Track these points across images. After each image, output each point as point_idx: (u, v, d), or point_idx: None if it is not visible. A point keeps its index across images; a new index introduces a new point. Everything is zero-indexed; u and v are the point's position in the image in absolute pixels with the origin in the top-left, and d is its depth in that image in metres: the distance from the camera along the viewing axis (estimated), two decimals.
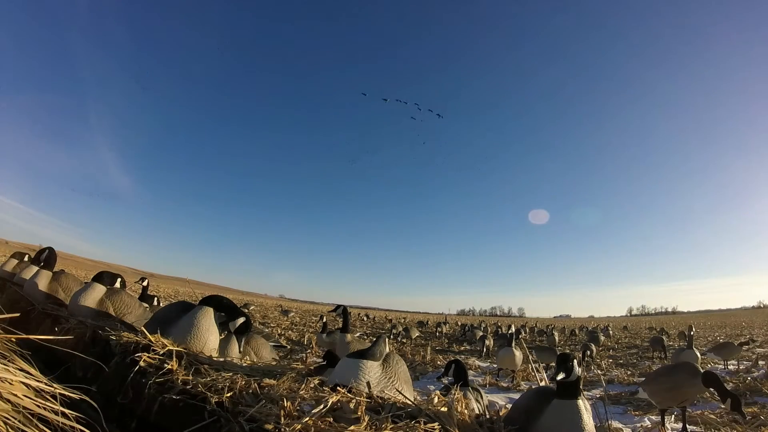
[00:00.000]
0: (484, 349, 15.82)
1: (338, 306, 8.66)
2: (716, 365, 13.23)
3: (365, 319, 41.84)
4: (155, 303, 9.92)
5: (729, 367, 12.88)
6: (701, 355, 11.32)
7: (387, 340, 3.39)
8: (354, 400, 2.10)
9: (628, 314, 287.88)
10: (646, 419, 6.75)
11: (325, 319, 15.64)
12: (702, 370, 5.32)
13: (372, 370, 2.96)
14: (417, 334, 21.05)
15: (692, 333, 11.37)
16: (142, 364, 2.47)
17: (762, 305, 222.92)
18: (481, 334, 19.56)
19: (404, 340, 19.69)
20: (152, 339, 2.78)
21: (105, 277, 4.76)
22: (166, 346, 2.73)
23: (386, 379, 3.00)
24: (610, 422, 5.87)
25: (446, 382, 4.71)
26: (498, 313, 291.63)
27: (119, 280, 5.03)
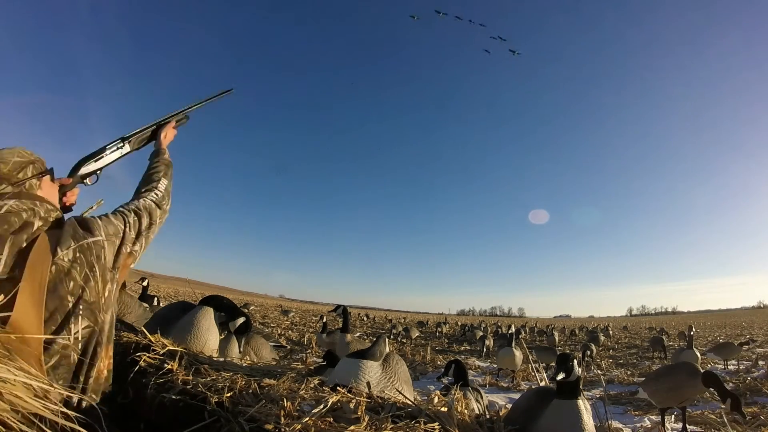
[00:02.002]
0: (484, 349, 15.81)
1: (338, 306, 8.66)
2: (716, 365, 13.23)
3: (365, 319, 41.81)
4: (155, 303, 9.95)
5: (729, 367, 12.87)
6: (701, 355, 11.32)
7: (387, 340, 3.40)
8: (354, 400, 2.09)
9: (628, 314, 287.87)
10: (646, 419, 6.75)
11: (325, 319, 15.63)
12: (702, 370, 5.33)
13: (372, 370, 2.96)
14: (417, 334, 21.05)
15: (692, 333, 11.38)
16: (142, 364, 2.47)
17: (762, 305, 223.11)
18: (481, 334, 19.56)
19: (404, 340, 19.70)
20: (152, 339, 2.78)
21: None
22: (166, 346, 2.73)
23: (386, 379, 3.00)
24: (610, 422, 5.85)
25: (446, 382, 4.70)
26: (498, 313, 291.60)
27: None
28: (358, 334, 14.67)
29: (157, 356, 2.59)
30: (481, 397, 4.19)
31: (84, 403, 1.72)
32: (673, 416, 6.54)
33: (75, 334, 1.76)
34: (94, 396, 1.84)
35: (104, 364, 1.93)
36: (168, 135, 2.82)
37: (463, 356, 15.45)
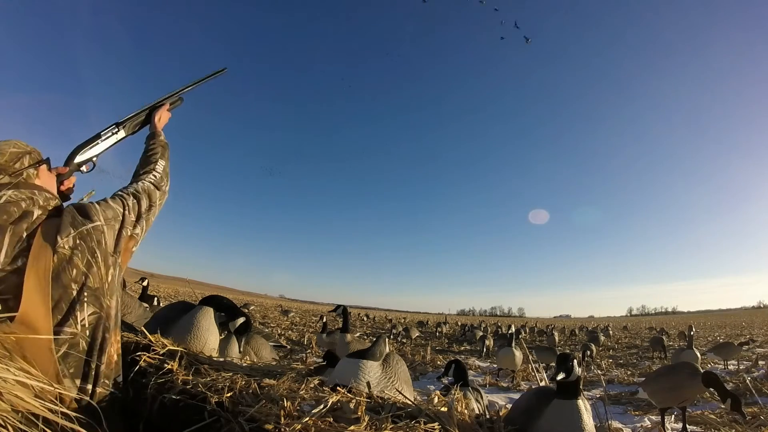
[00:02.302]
0: (484, 349, 15.80)
1: (338, 306, 8.65)
2: (716, 365, 13.23)
3: (365, 319, 41.77)
4: (155, 303, 9.97)
5: (729, 367, 12.87)
6: (701, 355, 11.30)
7: (387, 340, 3.39)
8: (354, 400, 2.09)
9: (628, 314, 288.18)
10: (646, 419, 6.75)
11: (325, 319, 15.59)
12: (702, 370, 5.32)
13: (372, 370, 2.96)
14: (417, 334, 21.04)
15: (692, 333, 11.36)
16: (142, 364, 2.46)
17: (762, 305, 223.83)
18: (481, 334, 19.52)
19: (404, 340, 19.69)
20: (152, 339, 2.77)
21: None
22: (166, 346, 2.72)
23: (386, 379, 3.00)
24: (610, 422, 5.88)
25: (446, 382, 4.70)
26: (498, 313, 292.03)
27: None
28: (358, 334, 14.66)
29: (157, 356, 2.58)
30: (481, 397, 4.19)
31: (94, 397, 1.74)
32: (673, 416, 6.54)
33: (81, 321, 1.76)
34: (106, 381, 1.85)
35: (114, 348, 1.93)
36: (162, 117, 2.83)
37: (463, 356, 15.45)
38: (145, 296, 9.17)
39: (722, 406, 5.63)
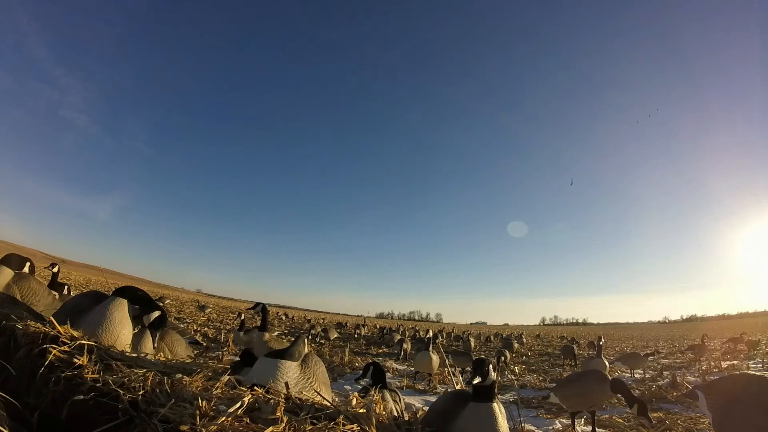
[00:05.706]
0: (402, 352, 15.95)
1: (257, 304, 8.53)
2: (623, 374, 13.82)
3: (284, 318, 41.49)
4: (65, 292, 9.50)
5: (635, 375, 13.45)
6: (609, 363, 11.78)
7: (306, 340, 3.37)
8: (272, 401, 2.06)
9: (541, 323, 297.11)
10: (557, 422, 6.98)
11: (243, 317, 15.31)
12: (610, 377, 5.55)
13: (290, 370, 2.93)
14: (335, 336, 21.06)
15: (601, 343, 11.79)
16: (50, 357, 2.35)
17: (667, 320, 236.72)
18: (399, 337, 19.83)
19: (322, 341, 19.65)
20: (61, 330, 2.64)
21: (13, 260, 4.49)
22: (76, 339, 2.60)
23: (305, 379, 2.98)
24: (523, 425, 6.10)
25: (364, 383, 4.71)
26: (416, 317, 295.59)
27: (28, 264, 4.77)
28: (276, 333, 14.51)
29: (65, 349, 2.47)
30: (399, 399, 4.22)
31: None
32: (582, 420, 6.80)
33: None
34: None
35: None
36: None
37: (380, 358, 15.53)
38: (54, 284, 8.73)
39: (629, 411, 5.90)
